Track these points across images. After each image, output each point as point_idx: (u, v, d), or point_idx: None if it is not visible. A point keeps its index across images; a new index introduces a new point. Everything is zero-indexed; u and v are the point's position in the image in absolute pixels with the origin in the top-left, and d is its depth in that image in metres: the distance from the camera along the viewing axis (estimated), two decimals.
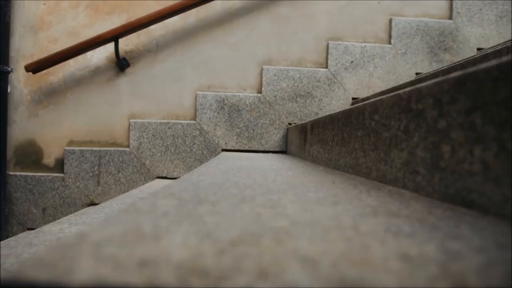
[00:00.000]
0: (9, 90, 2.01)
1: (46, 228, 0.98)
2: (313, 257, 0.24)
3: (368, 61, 2.01)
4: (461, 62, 1.14)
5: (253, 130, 1.98)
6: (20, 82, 2.04)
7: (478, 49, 2.02)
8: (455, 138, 0.43)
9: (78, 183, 1.97)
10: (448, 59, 2.01)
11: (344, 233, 0.30)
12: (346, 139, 0.85)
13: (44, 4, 2.04)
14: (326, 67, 2.02)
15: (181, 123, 1.98)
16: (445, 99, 0.45)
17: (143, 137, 1.98)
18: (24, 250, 0.76)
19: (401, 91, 0.58)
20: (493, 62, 0.37)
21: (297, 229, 0.31)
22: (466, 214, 0.38)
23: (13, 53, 2.04)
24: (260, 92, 2.02)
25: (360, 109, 0.76)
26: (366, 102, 0.74)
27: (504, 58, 0.36)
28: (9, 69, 1.99)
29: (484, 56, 0.99)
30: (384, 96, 0.65)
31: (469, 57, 1.30)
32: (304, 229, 0.31)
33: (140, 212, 0.35)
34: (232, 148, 1.99)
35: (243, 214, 0.36)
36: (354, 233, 0.30)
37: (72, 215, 1.21)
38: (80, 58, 2.01)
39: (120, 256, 0.23)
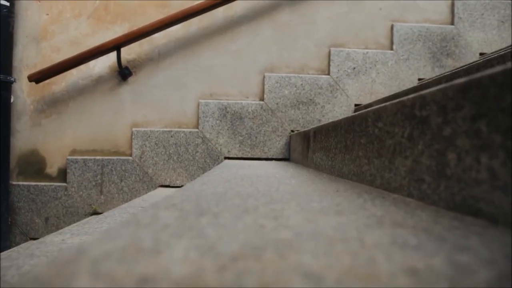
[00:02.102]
0: (12, 100, 2.02)
1: (48, 238, 0.97)
2: (317, 272, 0.23)
3: (370, 67, 2.01)
4: (464, 67, 1.14)
5: (256, 137, 1.98)
6: (23, 92, 2.05)
7: (481, 54, 2.01)
8: (461, 146, 0.42)
9: (81, 192, 1.97)
10: (451, 65, 2.01)
11: (349, 246, 0.29)
12: (350, 146, 0.84)
13: (47, 14, 2.06)
14: (328, 73, 2.02)
15: (183, 131, 1.98)
16: (450, 106, 0.44)
17: (145, 146, 1.98)
18: (25, 261, 0.76)
19: (404, 98, 0.57)
20: (498, 68, 0.37)
21: (301, 242, 0.30)
22: (474, 223, 0.37)
23: (16, 63, 2.05)
24: (262, 99, 2.02)
25: (363, 116, 0.75)
26: (369, 109, 0.73)
27: (509, 64, 0.36)
28: (12, 79, 2.00)
29: (487, 61, 0.98)
30: (387, 103, 0.64)
31: (472, 62, 1.29)
32: (308, 242, 0.30)
33: (141, 224, 0.35)
34: (235, 156, 1.98)
35: (245, 226, 0.35)
36: (359, 245, 0.29)
37: (74, 225, 1.20)
38: (82, 68, 2.02)
39: (118, 273, 0.22)
